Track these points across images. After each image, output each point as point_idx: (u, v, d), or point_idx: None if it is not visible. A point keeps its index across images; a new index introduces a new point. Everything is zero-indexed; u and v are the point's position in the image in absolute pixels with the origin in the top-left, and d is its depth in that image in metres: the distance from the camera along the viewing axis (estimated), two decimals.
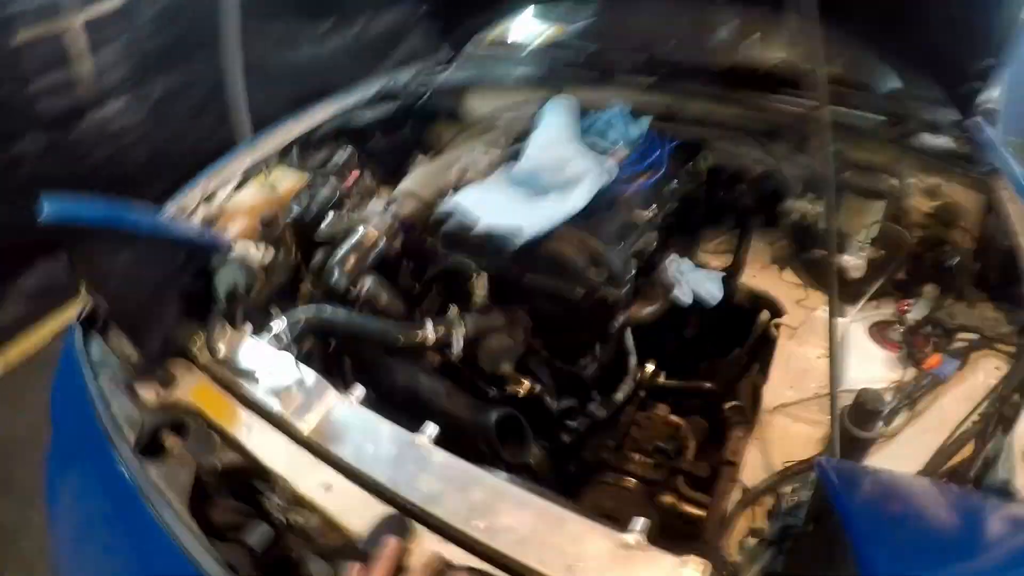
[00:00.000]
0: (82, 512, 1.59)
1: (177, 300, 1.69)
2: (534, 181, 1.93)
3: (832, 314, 1.24)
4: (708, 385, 2.07)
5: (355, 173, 2.35)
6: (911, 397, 1.52)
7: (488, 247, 1.80)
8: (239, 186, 2.25)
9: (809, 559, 1.07)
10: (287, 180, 2.28)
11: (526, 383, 1.83)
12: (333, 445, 1.38)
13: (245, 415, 1.49)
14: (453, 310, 1.78)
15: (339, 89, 2.91)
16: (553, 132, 2.13)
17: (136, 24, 4.31)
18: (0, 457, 3.27)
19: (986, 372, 1.56)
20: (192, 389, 1.58)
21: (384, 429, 1.41)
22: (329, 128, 2.62)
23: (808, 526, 1.10)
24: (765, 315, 2.00)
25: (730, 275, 2.12)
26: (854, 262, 1.88)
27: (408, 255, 2.07)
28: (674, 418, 1.95)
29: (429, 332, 1.74)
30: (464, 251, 1.87)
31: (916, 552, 0.89)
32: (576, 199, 1.84)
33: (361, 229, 1.97)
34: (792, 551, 1.16)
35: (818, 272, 1.97)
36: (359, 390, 1.50)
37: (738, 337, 2.10)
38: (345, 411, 1.46)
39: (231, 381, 1.56)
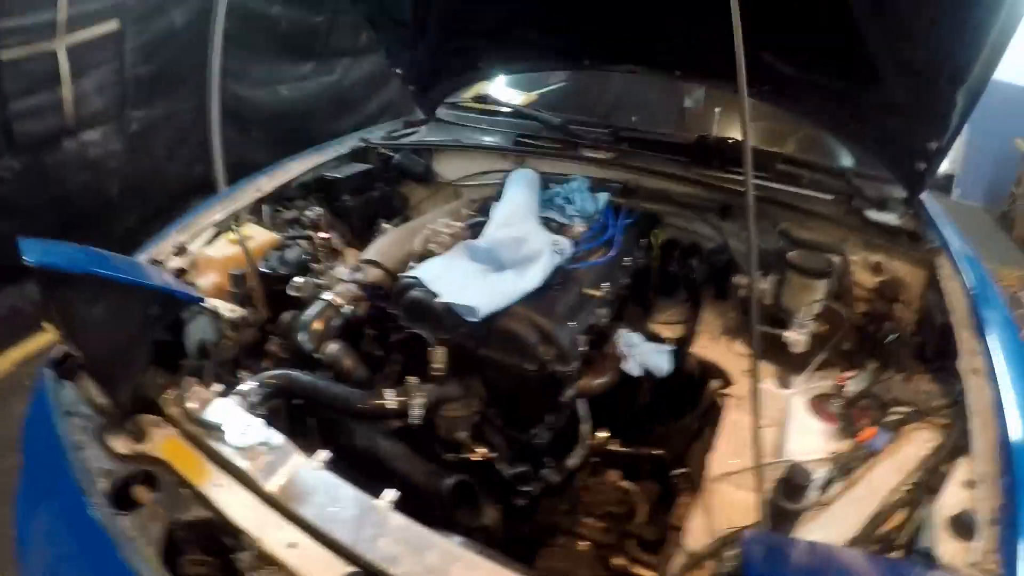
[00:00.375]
0: (55, 556, 1.61)
1: (148, 351, 1.74)
2: (493, 258, 2.03)
3: (755, 376, 1.33)
4: (657, 452, 2.14)
5: (323, 233, 2.43)
6: (846, 468, 1.60)
7: (446, 321, 1.88)
8: (210, 240, 2.31)
9: None
10: (257, 237, 2.34)
11: (481, 450, 1.90)
12: (298, 505, 1.44)
13: (214, 472, 1.54)
14: (412, 380, 1.85)
15: (317, 131, 2.95)
16: (513, 208, 2.25)
17: (122, 53, 4.36)
18: None
19: (918, 444, 1.64)
20: (162, 443, 1.62)
21: (346, 492, 1.47)
22: (300, 185, 2.70)
23: None
24: (714, 384, 2.08)
25: (681, 345, 2.21)
26: (796, 338, 1.98)
27: (372, 323, 2.15)
28: (625, 483, 2.01)
29: (389, 400, 1.82)
30: (424, 323, 1.95)
31: None
32: (531, 278, 1.93)
33: (327, 295, 2.06)
34: None
35: (765, 345, 2.03)
36: (323, 453, 1.56)
37: (690, 404, 2.18)
38: (310, 473, 1.51)
39: (201, 437, 1.61)
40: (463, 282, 1.93)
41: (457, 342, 1.91)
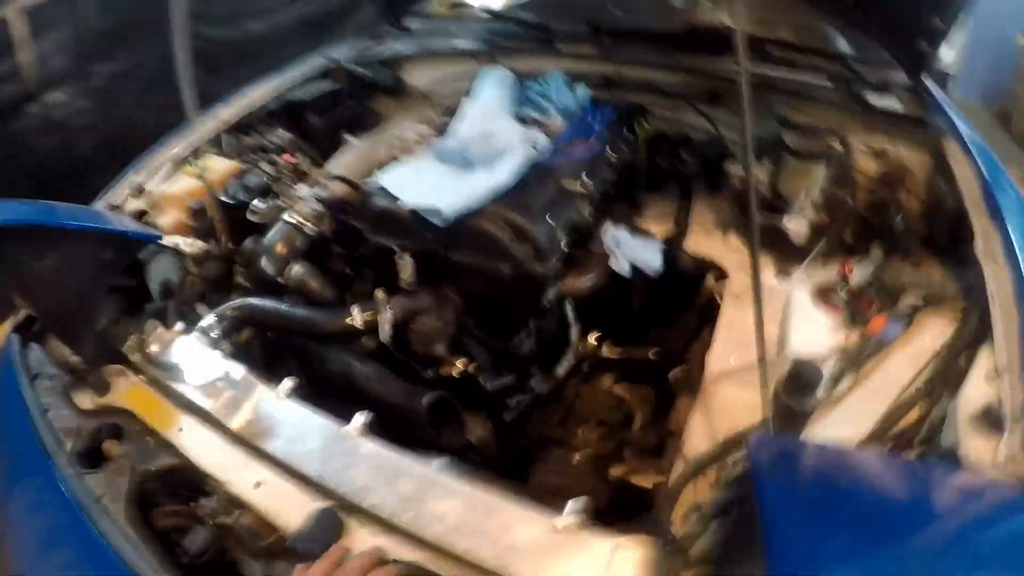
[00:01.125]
0: (28, 527, 1.54)
1: (109, 299, 1.66)
2: (461, 157, 1.87)
3: (754, 265, 1.19)
4: (651, 354, 2.04)
5: (287, 156, 2.30)
6: (855, 361, 1.50)
7: (413, 228, 1.75)
8: (169, 176, 2.20)
9: (740, 537, 1.04)
10: (219, 168, 2.21)
11: (459, 363, 1.79)
12: (263, 441, 1.35)
13: (178, 415, 1.46)
14: (379, 294, 1.73)
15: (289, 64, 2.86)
16: (484, 105, 2.08)
17: (79, 8, 4.24)
18: None
19: (932, 334, 1.53)
20: (126, 392, 1.53)
21: (313, 421, 1.37)
22: (262, 110, 2.56)
23: (743, 502, 1.08)
24: (711, 280, 1.98)
25: (674, 241, 2.09)
26: (795, 227, 1.85)
27: (339, 240, 2.02)
28: (619, 389, 1.92)
29: (356, 318, 1.70)
30: (389, 232, 1.82)
31: (846, 529, 0.86)
32: (502, 174, 1.78)
33: (289, 216, 1.93)
34: (730, 526, 1.15)
35: (763, 235, 1.91)
36: (287, 383, 1.46)
37: (685, 303, 2.07)
38: (274, 405, 1.42)
39: (163, 381, 1.52)
40: (429, 185, 1.79)
41: (425, 249, 1.78)
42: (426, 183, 1.80)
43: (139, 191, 2.10)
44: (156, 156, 2.26)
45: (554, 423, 1.91)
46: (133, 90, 4.68)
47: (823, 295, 1.73)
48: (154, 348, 1.56)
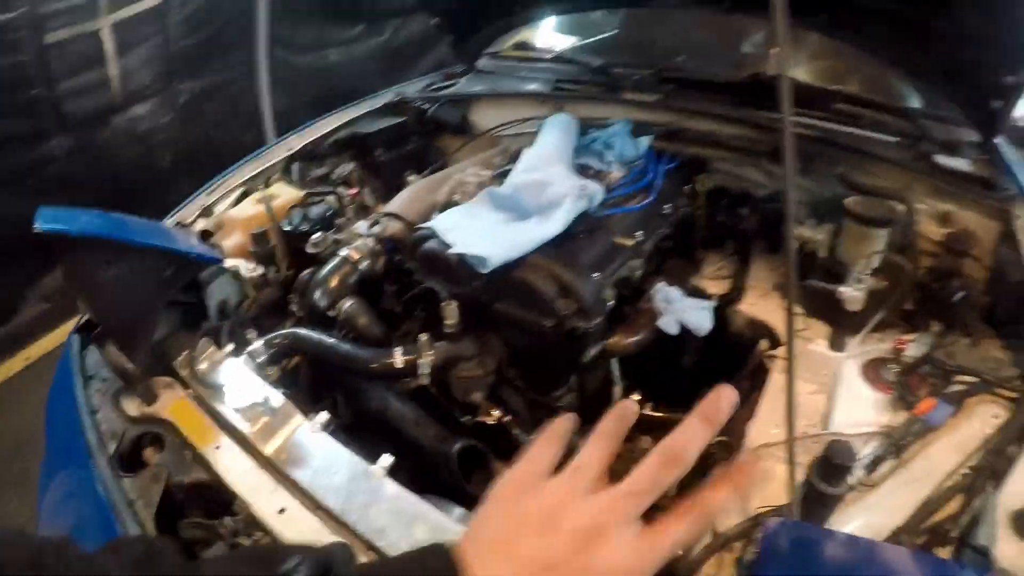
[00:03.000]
0: (60, 518, 1.62)
1: (168, 313, 1.72)
2: (515, 204, 1.88)
3: (790, 335, 1.15)
4: None
5: (353, 190, 2.35)
6: (898, 444, 1.44)
7: (460, 273, 1.76)
8: (237, 200, 2.28)
9: None
10: (284, 195, 2.29)
11: (496, 413, 1.80)
12: (292, 469, 1.38)
13: (216, 433, 1.50)
14: (423, 337, 1.75)
15: (369, 94, 2.94)
16: (543, 153, 2.08)
17: (166, 26, 4.40)
18: (18, 453, 3.29)
19: (983, 420, 1.46)
20: (172, 404, 1.59)
21: (342, 456, 1.40)
22: (332, 141, 2.64)
23: None
24: (763, 344, 1.92)
25: (728, 302, 2.04)
26: (851, 294, 1.78)
27: (391, 278, 2.06)
28: None
29: (397, 358, 1.72)
30: (438, 275, 1.84)
31: None
32: (552, 225, 1.77)
33: (344, 251, 1.97)
34: None
35: (818, 302, 1.87)
36: (322, 415, 1.49)
37: (736, 367, 2.01)
38: (307, 436, 1.45)
39: (207, 399, 1.57)
40: (482, 231, 1.80)
41: (471, 296, 1.79)
42: (478, 229, 1.81)
43: (207, 212, 2.19)
44: (228, 179, 2.35)
45: None
46: (215, 110, 4.84)
47: (873, 370, 1.67)
48: (203, 366, 1.62)
